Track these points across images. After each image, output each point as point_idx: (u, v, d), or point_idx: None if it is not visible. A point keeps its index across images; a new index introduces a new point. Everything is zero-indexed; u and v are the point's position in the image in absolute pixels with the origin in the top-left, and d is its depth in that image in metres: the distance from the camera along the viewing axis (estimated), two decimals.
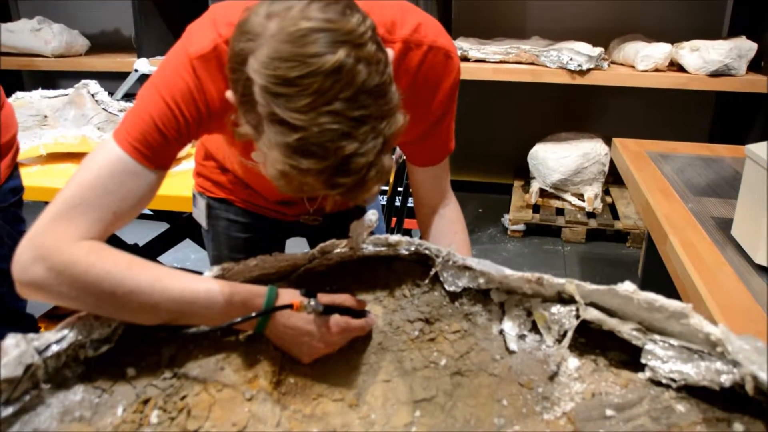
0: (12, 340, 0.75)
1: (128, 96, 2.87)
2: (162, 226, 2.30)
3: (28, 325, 1.41)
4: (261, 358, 0.85)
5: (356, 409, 0.83)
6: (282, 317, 0.82)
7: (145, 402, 0.81)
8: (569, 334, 0.83)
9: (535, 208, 3.31)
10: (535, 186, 3.32)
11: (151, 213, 2.15)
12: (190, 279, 0.81)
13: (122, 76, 3.06)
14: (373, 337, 0.89)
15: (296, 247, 1.21)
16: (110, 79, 3.32)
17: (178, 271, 0.81)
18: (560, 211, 3.26)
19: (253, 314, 0.80)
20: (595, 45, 3.00)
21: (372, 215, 0.89)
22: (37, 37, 3.51)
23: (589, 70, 2.92)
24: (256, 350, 0.85)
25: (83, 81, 2.13)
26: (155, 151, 0.82)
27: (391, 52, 0.73)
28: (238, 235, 1.23)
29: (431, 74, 0.95)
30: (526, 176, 3.50)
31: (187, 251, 2.93)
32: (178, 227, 2.20)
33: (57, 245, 0.77)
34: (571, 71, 2.93)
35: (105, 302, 0.78)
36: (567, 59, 2.92)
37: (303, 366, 0.85)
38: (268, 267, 0.88)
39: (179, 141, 0.84)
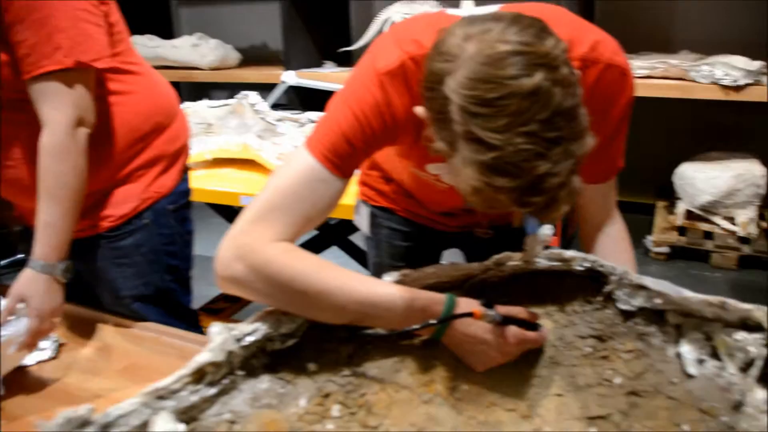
0: (216, 328, 0.82)
1: (276, 105, 3.03)
2: (311, 233, 2.40)
3: (192, 319, 1.50)
4: (436, 363, 0.87)
5: (529, 420, 0.84)
6: (461, 325, 0.84)
7: (326, 396, 0.86)
8: (758, 364, 0.79)
9: (681, 231, 3.16)
10: (681, 207, 3.17)
11: None
12: (374, 283, 0.85)
13: (269, 87, 3.24)
14: (545, 351, 0.90)
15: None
16: (259, 90, 3.52)
17: (362, 275, 0.86)
18: (709, 235, 3.09)
19: (434, 321, 0.83)
20: (754, 58, 2.83)
21: (548, 230, 0.90)
22: (196, 51, 3.77)
23: (746, 85, 2.75)
24: (432, 355, 0.88)
25: (243, 92, 2.27)
26: (344, 160, 0.87)
27: (578, 73, 0.74)
28: (399, 243, 1.27)
29: (607, 92, 0.94)
30: (670, 196, 3.35)
31: (330, 257, 3.05)
32: (326, 234, 2.30)
33: (255, 245, 0.84)
34: (724, 87, 2.78)
35: (295, 300, 0.84)
36: (721, 74, 2.77)
37: (476, 374, 0.87)
38: (444, 275, 0.91)
39: (366, 151, 0.89)
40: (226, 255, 0.85)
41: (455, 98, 0.68)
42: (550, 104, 0.67)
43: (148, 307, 1.38)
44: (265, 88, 3.47)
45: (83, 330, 1.31)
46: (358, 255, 2.39)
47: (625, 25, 3.56)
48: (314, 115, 2.09)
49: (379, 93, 0.86)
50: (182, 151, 1.40)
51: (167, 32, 4.30)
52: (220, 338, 0.81)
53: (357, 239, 2.28)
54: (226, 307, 2.48)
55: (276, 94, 3.13)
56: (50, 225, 1.12)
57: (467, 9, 0.93)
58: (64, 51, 1.08)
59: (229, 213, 2.36)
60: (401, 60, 0.85)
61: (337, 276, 0.84)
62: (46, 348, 1.21)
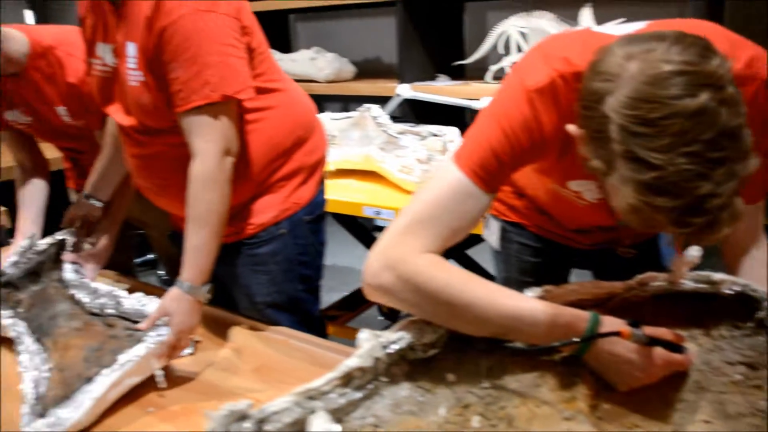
0: (365, 334, 0.85)
1: (391, 118, 3.08)
2: None
3: (320, 327, 1.55)
4: (578, 381, 0.87)
5: None
6: (606, 343, 0.84)
7: (466, 407, 0.88)
8: None
9: None
10: None
11: None
12: (519, 298, 0.86)
13: (382, 99, 3.30)
14: (689, 375, 0.88)
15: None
16: (373, 103, 3.59)
17: (508, 289, 0.87)
18: None
19: (577, 339, 0.83)
20: None
21: (695, 251, 0.88)
22: (313, 64, 3.90)
23: None
24: (573, 372, 0.88)
25: (366, 105, 2.33)
26: (492, 175, 0.89)
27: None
28: (529, 259, 1.28)
29: (764, 109, 0.91)
30: None
31: None
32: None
33: (404, 256, 0.87)
34: None
35: (441, 311, 0.87)
36: None
37: (619, 393, 0.86)
38: (585, 293, 0.91)
39: (513, 167, 0.90)
40: (375, 264, 0.88)
41: (615, 117, 0.69)
42: (715, 124, 0.66)
43: (279, 313, 1.44)
44: (378, 101, 3.53)
45: (219, 330, 1.40)
46: (475, 269, 2.39)
47: (756, 34, 3.38)
48: (435, 128, 2.12)
49: (528, 110, 0.87)
50: (320, 162, 1.46)
51: (285, 46, 4.48)
52: (369, 345, 0.84)
53: (474, 253, 2.28)
54: (340, 315, 2.55)
55: (391, 107, 3.19)
56: (197, 249, 1.21)
57: (615, 27, 0.93)
58: (211, 86, 1.16)
59: (349, 223, 2.42)
60: (550, 77, 0.86)
61: (483, 289, 0.85)
62: None
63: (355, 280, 3.20)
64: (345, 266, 3.52)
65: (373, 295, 0.90)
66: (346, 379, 0.84)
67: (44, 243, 1.50)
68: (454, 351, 0.92)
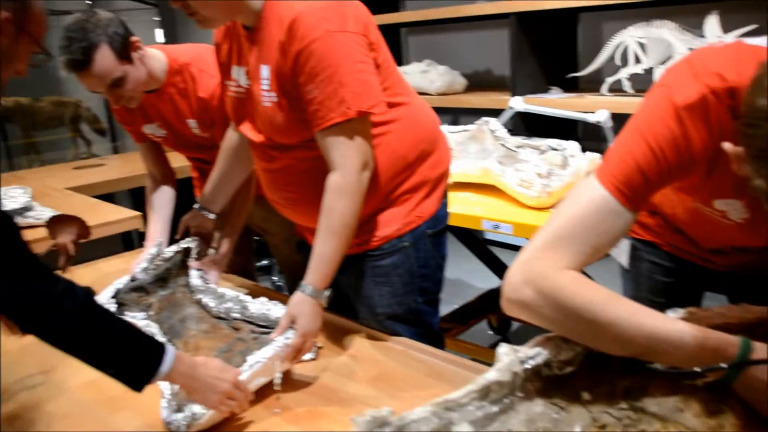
0: (504, 349, 0.86)
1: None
2: None
3: (438, 340, 1.55)
4: (725, 409, 0.84)
5: None
6: (759, 371, 0.81)
7: (602, 427, 0.86)
8: None
9: None
10: None
11: None
12: (663, 318, 0.84)
13: (494, 112, 3.28)
14: None
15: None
16: (484, 115, 3.58)
17: (650, 309, 0.85)
18: None
19: (724, 365, 0.81)
20: None
21: None
22: (425, 77, 3.94)
23: None
24: (719, 399, 0.85)
25: (484, 118, 2.33)
26: (636, 192, 0.87)
27: None
28: (660, 278, 1.24)
29: None
30: None
31: None
32: None
33: (545, 272, 0.87)
34: None
35: (582, 329, 0.86)
36: None
37: None
38: (733, 317, 0.88)
39: (658, 185, 0.88)
40: (515, 279, 0.89)
41: None
42: None
43: (399, 324, 1.47)
44: (489, 113, 3.51)
45: (339, 337, 1.44)
46: None
47: None
48: (554, 142, 2.09)
49: (677, 127, 0.85)
50: (444, 176, 1.48)
51: (397, 59, 4.55)
52: (507, 359, 0.85)
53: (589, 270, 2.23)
54: (451, 328, 2.54)
55: (503, 120, 3.17)
56: (324, 257, 1.26)
57: None
58: (347, 103, 1.21)
59: (462, 235, 2.41)
60: (701, 93, 0.84)
61: (627, 308, 0.84)
62: None
63: (466, 293, 3.22)
64: (456, 279, 3.53)
65: (512, 310, 0.91)
66: (484, 393, 0.85)
67: (171, 250, 1.59)
68: (590, 370, 0.91)
